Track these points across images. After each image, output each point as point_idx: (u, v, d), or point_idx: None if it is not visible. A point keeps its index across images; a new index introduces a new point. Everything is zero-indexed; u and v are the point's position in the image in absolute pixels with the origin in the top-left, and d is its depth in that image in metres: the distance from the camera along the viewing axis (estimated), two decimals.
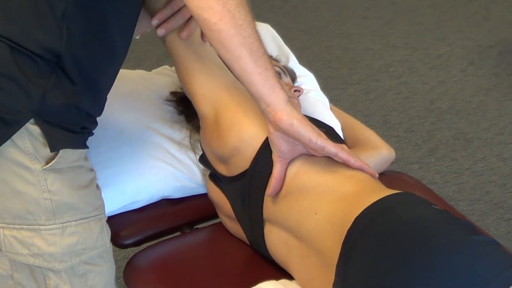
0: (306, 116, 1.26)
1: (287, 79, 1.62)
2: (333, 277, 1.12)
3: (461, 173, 2.61)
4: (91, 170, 1.26)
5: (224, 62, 1.33)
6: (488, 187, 2.53)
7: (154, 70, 1.81)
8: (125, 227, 1.51)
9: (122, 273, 1.49)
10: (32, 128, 1.12)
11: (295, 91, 1.57)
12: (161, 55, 3.12)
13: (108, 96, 1.25)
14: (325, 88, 1.80)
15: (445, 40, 3.57)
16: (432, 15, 3.83)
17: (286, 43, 1.88)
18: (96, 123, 1.23)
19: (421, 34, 3.63)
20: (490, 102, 3.02)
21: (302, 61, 1.87)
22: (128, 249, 1.58)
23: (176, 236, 1.53)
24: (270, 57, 1.61)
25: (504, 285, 0.99)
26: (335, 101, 1.83)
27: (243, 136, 1.34)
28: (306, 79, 1.78)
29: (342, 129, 1.67)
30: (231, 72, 1.25)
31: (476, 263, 1.02)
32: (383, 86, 3.16)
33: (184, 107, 1.60)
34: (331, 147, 1.23)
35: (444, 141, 2.78)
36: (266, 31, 1.86)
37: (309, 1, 4.00)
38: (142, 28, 1.40)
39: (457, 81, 3.19)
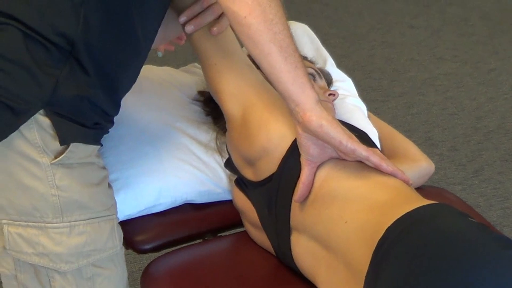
0: (338, 120, 1.24)
1: (322, 82, 1.61)
2: None
3: (507, 197, 2.51)
4: (104, 168, 1.24)
5: (252, 59, 1.30)
6: None
7: (182, 68, 1.79)
8: (144, 231, 1.49)
9: (138, 286, 1.46)
10: (41, 119, 1.10)
11: (329, 94, 1.56)
12: (189, 54, 3.11)
13: (132, 93, 1.24)
14: (364, 99, 1.77)
15: (497, 54, 3.47)
16: (484, 26, 3.75)
17: None
18: (111, 123, 1.22)
19: (471, 46, 3.54)
20: None
21: (341, 69, 1.82)
22: (145, 260, 1.56)
23: (197, 243, 1.50)
24: (305, 58, 1.64)
25: None
26: (375, 114, 1.80)
27: (271, 136, 1.32)
28: (344, 84, 1.76)
29: (380, 139, 1.64)
30: (260, 69, 1.24)
31: None
32: (427, 100, 3.09)
33: (212, 108, 1.57)
34: (362, 150, 1.21)
35: (490, 162, 2.69)
36: (303, 31, 1.84)
37: (351, 6, 3.93)
38: (169, 34, 1.39)
39: (508, 98, 3.09)
